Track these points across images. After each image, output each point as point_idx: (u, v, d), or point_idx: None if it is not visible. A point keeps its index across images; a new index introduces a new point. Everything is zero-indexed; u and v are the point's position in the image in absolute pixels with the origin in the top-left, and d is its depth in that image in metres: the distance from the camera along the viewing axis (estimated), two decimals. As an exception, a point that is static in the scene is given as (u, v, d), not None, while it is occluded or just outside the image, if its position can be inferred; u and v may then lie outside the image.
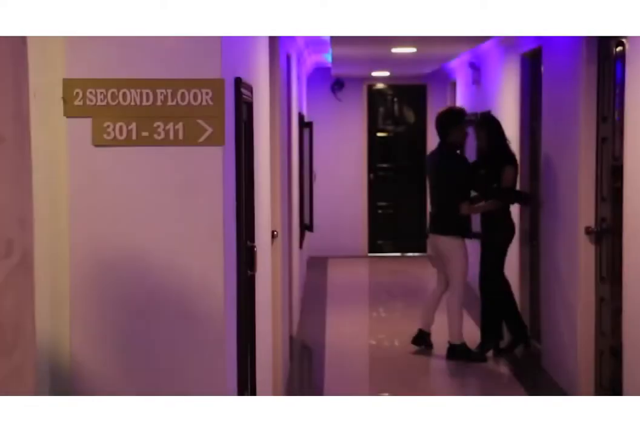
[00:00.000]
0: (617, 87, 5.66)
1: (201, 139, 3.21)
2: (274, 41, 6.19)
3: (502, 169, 7.63)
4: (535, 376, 7.17)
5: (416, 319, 9.64)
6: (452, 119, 7.90)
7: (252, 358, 4.14)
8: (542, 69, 7.49)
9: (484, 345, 7.81)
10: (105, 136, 3.17)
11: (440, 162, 7.86)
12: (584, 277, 6.25)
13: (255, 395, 4.23)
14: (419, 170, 14.07)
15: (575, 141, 6.35)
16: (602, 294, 6.08)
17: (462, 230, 7.82)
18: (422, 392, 6.93)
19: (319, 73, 13.48)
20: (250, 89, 4.19)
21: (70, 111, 3.18)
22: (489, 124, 7.84)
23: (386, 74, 13.25)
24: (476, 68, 10.61)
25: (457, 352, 7.73)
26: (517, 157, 8.40)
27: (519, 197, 7.84)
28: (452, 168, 7.74)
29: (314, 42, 9.92)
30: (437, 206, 7.92)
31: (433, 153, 8.21)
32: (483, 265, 7.96)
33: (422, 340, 8.09)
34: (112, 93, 3.17)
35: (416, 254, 14.05)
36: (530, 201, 7.93)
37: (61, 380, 3.10)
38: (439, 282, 8.25)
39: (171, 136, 3.19)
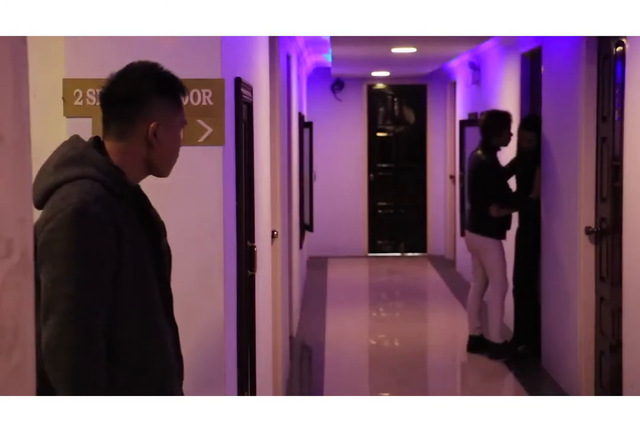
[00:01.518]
0: (617, 87, 5.66)
1: (201, 139, 3.22)
2: (274, 41, 6.19)
3: (535, 169, 7.57)
4: (535, 376, 7.17)
5: (416, 319, 9.65)
6: (497, 123, 7.71)
7: (252, 358, 4.14)
8: (542, 68, 7.49)
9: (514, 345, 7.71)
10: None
11: (477, 164, 7.80)
12: (584, 277, 6.25)
13: (255, 395, 4.23)
14: (419, 170, 14.07)
15: (575, 141, 6.35)
16: (602, 294, 6.08)
17: (496, 232, 7.69)
18: (422, 392, 6.94)
19: (319, 73, 13.48)
20: (250, 89, 4.19)
21: (70, 111, 3.18)
22: (539, 125, 7.62)
23: (386, 74, 13.25)
24: (476, 68, 10.61)
25: (497, 351, 7.62)
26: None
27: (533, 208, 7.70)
28: (488, 172, 7.66)
29: (314, 42, 9.92)
30: (473, 206, 7.89)
31: (473, 153, 8.09)
32: (516, 267, 7.84)
33: (478, 345, 7.81)
34: (112, 93, 3.16)
35: (416, 254, 14.06)
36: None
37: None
38: (476, 277, 8.06)
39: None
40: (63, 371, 2.33)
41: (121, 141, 2.53)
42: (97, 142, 2.55)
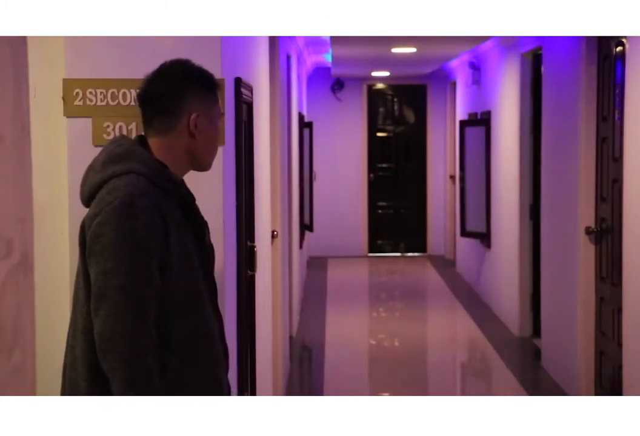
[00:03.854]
0: (617, 87, 5.66)
1: (201, 139, 3.21)
2: (274, 41, 6.19)
3: None
4: (535, 376, 7.17)
5: (416, 319, 9.65)
6: None
7: (252, 358, 4.14)
8: (542, 69, 7.49)
9: None
10: (105, 136, 3.17)
11: None
12: (584, 277, 6.25)
13: (255, 395, 4.23)
14: (419, 170, 14.07)
15: (575, 141, 6.35)
16: (602, 294, 6.08)
17: None
18: (422, 392, 6.94)
19: (319, 73, 13.47)
20: (250, 89, 4.19)
21: (70, 111, 3.18)
22: None
23: (386, 74, 13.25)
24: (476, 68, 10.61)
25: None
26: (517, 157, 8.41)
27: None
28: None
29: (314, 42, 9.92)
30: None
31: None
32: None
33: None
34: (112, 93, 3.17)
35: (416, 254, 14.05)
36: None
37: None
38: None
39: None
40: (118, 360, 2.41)
41: (164, 136, 2.63)
42: (141, 139, 2.66)
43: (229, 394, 2.72)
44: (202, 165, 2.71)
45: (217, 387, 2.62)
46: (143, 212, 2.45)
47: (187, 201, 2.65)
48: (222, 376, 2.66)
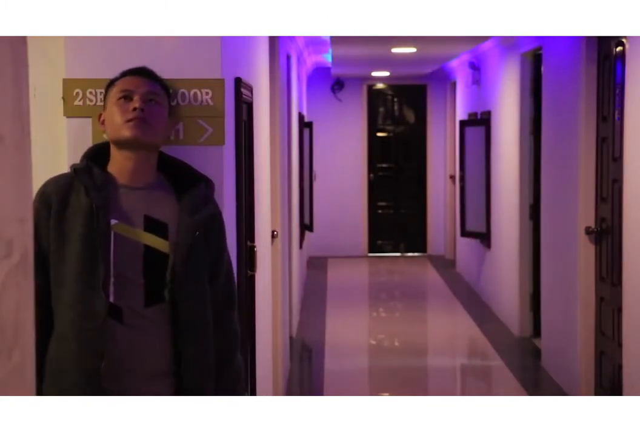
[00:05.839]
0: (617, 87, 5.66)
1: (202, 139, 3.21)
2: (274, 41, 6.19)
3: None
4: (535, 376, 7.17)
5: (416, 319, 9.65)
6: None
7: (252, 358, 4.14)
8: (542, 69, 7.49)
9: None
10: (105, 136, 3.17)
11: None
12: (584, 277, 6.25)
13: (255, 395, 4.23)
14: (419, 170, 14.07)
15: (575, 141, 6.35)
16: (602, 294, 6.08)
17: None
18: (422, 392, 6.94)
19: (319, 73, 13.47)
20: (250, 89, 4.19)
21: (70, 111, 3.18)
22: None
23: (386, 74, 13.25)
24: (476, 68, 10.61)
25: None
26: (517, 157, 8.41)
27: None
28: None
29: (314, 42, 9.92)
30: None
31: None
32: None
33: None
34: (112, 93, 3.16)
35: (416, 254, 14.05)
36: None
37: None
38: None
39: (171, 136, 3.19)
40: None
41: None
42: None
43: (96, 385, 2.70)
44: (119, 140, 2.83)
45: (88, 366, 2.67)
46: (36, 200, 2.74)
47: (106, 197, 2.75)
48: (92, 365, 2.66)
